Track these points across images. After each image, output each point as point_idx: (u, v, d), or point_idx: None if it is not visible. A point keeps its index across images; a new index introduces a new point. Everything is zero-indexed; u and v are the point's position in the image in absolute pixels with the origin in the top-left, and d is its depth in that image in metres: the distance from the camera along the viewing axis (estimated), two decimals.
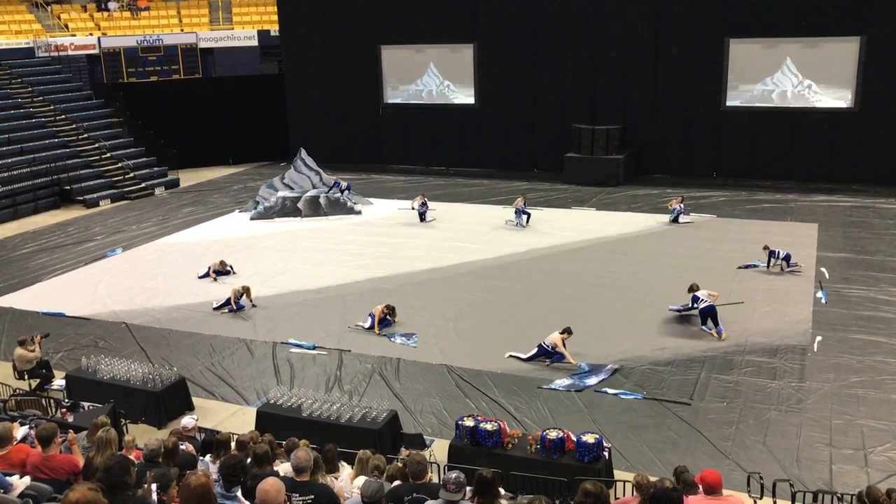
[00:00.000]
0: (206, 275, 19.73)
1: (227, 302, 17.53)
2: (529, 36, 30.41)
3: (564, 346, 14.29)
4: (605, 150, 28.84)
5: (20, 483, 6.90)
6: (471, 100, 32.14)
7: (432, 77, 32.64)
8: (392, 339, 15.79)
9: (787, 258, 18.63)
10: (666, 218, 23.55)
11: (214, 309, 17.57)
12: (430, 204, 24.94)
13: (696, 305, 15.64)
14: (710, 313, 15.37)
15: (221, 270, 19.81)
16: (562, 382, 13.62)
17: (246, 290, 17.73)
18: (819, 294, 17.27)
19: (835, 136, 27.49)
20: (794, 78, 27.61)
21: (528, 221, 23.41)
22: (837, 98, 27.31)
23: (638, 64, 29.10)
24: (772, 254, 18.71)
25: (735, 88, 28.32)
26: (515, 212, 23.55)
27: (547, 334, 14.66)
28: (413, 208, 24.81)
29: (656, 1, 28.52)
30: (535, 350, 14.46)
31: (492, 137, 31.82)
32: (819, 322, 15.78)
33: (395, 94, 33.36)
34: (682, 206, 23.46)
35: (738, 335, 15.32)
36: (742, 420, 12.27)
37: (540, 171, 30.67)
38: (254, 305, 17.73)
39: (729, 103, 28.49)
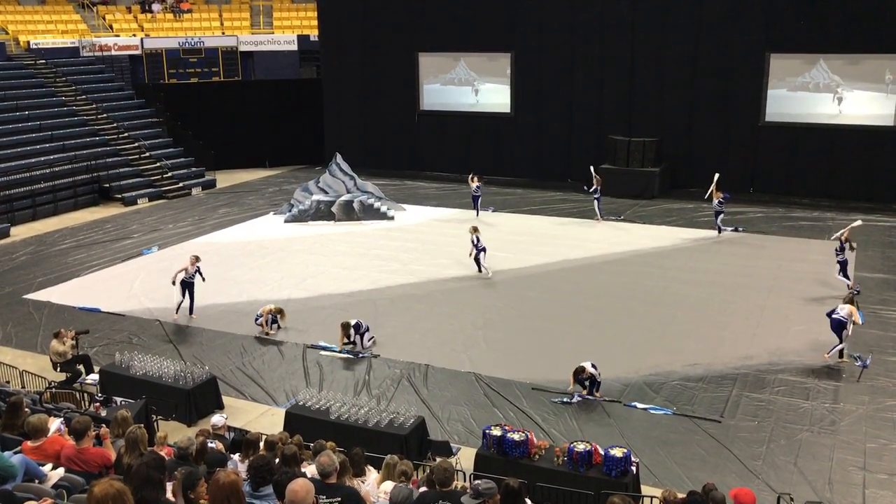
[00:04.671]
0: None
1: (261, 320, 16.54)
2: (567, 46, 30.33)
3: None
4: (640, 163, 28.63)
5: (54, 474, 7.01)
6: (499, 97, 32.12)
7: (462, 69, 32.85)
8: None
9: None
10: (699, 233, 23.33)
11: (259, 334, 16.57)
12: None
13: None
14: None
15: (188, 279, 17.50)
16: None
17: (279, 311, 16.73)
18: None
19: (876, 154, 27.01)
20: (825, 74, 27.37)
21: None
22: (864, 94, 27.02)
23: (676, 76, 28.87)
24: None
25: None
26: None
27: (574, 347, 14.56)
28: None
29: (696, 14, 28.32)
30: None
31: (526, 146, 31.77)
32: (854, 343, 15.49)
33: (429, 81, 33.44)
34: None
35: (771, 353, 15.13)
36: (773, 439, 12.10)
37: (574, 181, 30.52)
38: (281, 328, 16.70)
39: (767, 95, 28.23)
